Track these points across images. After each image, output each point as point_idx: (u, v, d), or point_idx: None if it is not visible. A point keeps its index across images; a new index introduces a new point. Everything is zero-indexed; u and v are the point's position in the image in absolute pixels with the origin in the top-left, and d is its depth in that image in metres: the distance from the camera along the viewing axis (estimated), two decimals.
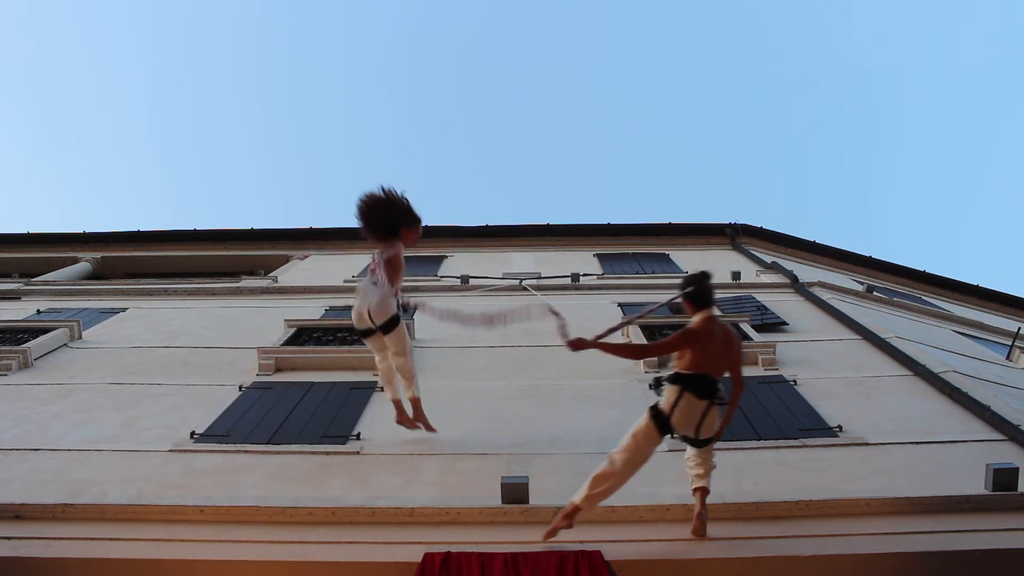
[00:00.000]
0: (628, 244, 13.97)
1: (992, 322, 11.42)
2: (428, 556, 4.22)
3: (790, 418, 6.01)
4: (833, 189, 44.98)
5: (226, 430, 6.00)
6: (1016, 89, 41.06)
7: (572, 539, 4.35)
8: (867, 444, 5.55)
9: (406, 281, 11.29)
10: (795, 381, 6.78)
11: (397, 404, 5.56)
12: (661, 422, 4.27)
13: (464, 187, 46.31)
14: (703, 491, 4.39)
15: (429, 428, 5.56)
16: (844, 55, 42.63)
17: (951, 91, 42.76)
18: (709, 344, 4.28)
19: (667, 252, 13.41)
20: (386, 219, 5.14)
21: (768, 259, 12.44)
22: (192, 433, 5.90)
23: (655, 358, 6.81)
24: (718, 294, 9.66)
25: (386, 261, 5.14)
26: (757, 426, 5.86)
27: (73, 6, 39.42)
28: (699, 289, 4.45)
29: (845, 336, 8.16)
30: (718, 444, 5.54)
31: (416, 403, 5.52)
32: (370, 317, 5.16)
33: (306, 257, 13.76)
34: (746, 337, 7.85)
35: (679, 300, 4.51)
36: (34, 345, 7.85)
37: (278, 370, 7.38)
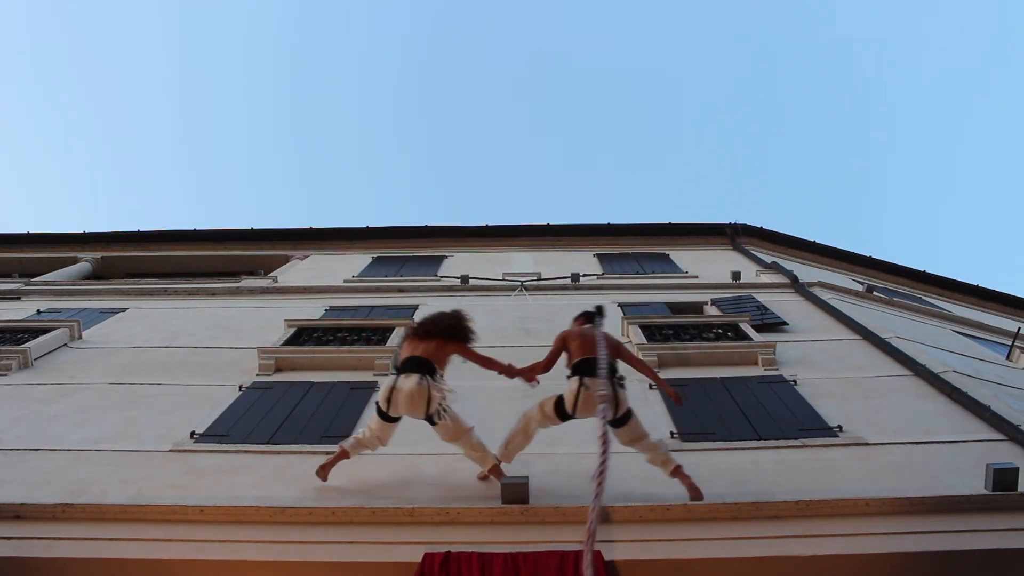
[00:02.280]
0: (628, 244, 13.97)
1: (992, 322, 11.41)
2: (428, 556, 4.23)
3: (790, 418, 6.01)
4: (833, 189, 45.03)
5: (226, 430, 6.00)
6: (1017, 88, 41.09)
7: (572, 539, 4.35)
8: (867, 444, 5.56)
9: (406, 281, 11.41)
10: (795, 381, 6.78)
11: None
12: (561, 410, 4.89)
13: (464, 187, 46.38)
14: (678, 468, 4.77)
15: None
16: (844, 54, 42.68)
17: (951, 90, 42.80)
18: (579, 340, 5.06)
19: (667, 252, 13.40)
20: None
21: (768, 259, 12.43)
22: (192, 433, 5.91)
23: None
24: (718, 294, 9.86)
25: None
26: (757, 426, 5.86)
27: (74, 5, 39.46)
28: (587, 314, 5.51)
29: (845, 336, 8.16)
30: (718, 444, 5.61)
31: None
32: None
33: (306, 257, 13.75)
34: (746, 337, 7.86)
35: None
36: (34, 345, 7.85)
37: (278, 370, 7.38)
